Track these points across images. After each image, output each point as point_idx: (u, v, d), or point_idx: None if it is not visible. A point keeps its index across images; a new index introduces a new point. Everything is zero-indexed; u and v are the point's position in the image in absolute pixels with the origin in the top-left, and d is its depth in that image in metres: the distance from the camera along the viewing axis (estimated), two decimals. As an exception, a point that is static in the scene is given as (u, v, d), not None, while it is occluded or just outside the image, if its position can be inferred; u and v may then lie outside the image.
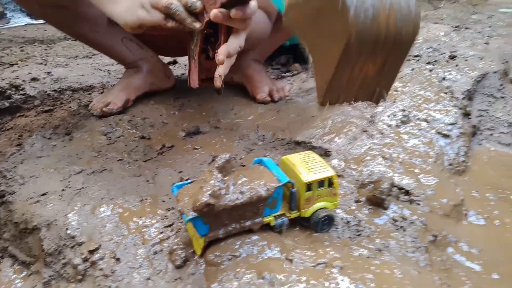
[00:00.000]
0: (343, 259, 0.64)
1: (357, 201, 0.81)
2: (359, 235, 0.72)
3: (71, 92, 1.47)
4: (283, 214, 0.69)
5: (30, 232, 0.76)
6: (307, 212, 0.69)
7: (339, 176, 0.89)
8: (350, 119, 1.12)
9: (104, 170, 0.91)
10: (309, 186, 0.67)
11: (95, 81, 1.58)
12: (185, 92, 1.41)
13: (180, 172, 0.90)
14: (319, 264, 0.62)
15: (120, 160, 0.96)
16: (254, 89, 1.35)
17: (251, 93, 1.36)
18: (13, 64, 1.85)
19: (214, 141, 1.06)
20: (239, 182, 0.64)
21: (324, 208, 0.70)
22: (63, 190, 0.83)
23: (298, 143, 1.03)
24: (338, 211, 0.77)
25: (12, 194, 0.84)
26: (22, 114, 1.33)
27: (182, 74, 1.72)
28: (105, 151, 1.00)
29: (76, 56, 1.95)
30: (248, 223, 0.65)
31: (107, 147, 1.02)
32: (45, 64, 1.80)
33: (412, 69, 1.48)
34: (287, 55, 1.77)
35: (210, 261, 0.62)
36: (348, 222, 0.75)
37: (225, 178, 0.63)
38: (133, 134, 1.09)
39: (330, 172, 0.68)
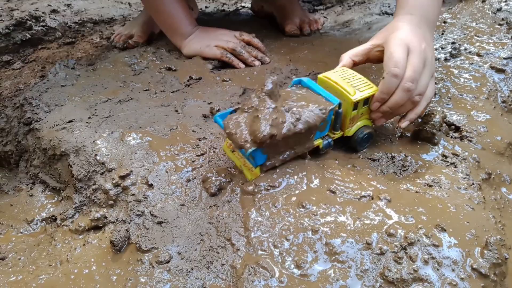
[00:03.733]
0: (390, 192, 0.59)
1: (400, 136, 0.75)
2: (405, 170, 0.67)
3: (92, 24, 1.41)
4: (327, 135, 0.65)
5: (59, 158, 0.73)
6: (350, 131, 0.66)
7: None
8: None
9: (131, 99, 0.86)
10: (356, 105, 0.63)
11: (116, 13, 1.50)
12: (210, 25, 1.32)
13: (209, 103, 0.85)
14: (364, 196, 0.58)
15: (146, 90, 0.91)
16: (283, 20, 1.25)
17: (280, 25, 1.26)
18: (31, -2, 1.78)
19: (243, 74, 0.99)
20: (293, 108, 0.58)
21: (365, 125, 0.67)
22: (89, 118, 0.79)
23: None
24: (381, 146, 0.71)
25: (39, 121, 0.81)
26: (44, 46, 1.28)
27: (206, 7, 1.61)
28: (130, 82, 0.95)
29: (96, -10, 1.86)
30: (301, 148, 0.61)
31: (132, 78, 0.97)
32: (64, -3, 1.72)
33: (461, 0, 1.33)
34: (319, -12, 1.63)
35: (247, 190, 0.58)
36: (392, 157, 0.69)
37: (277, 104, 0.58)
38: (159, 65, 1.03)
39: (374, 88, 0.64)
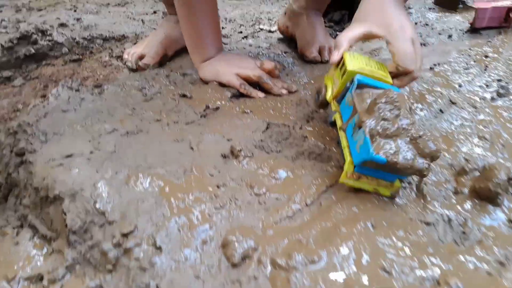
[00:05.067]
0: (457, 273, 0.47)
1: (456, 192, 0.63)
2: (466, 239, 0.55)
3: (102, 41, 1.32)
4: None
5: (52, 201, 0.62)
6: None
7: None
8: (433, 87, 0.92)
9: (140, 131, 0.76)
10: None
11: (128, 30, 1.41)
12: (226, 47, 1.23)
13: (229, 139, 0.74)
14: (427, 279, 0.46)
15: (158, 120, 0.80)
16: (303, 44, 1.15)
17: (299, 49, 1.17)
18: (41, 10, 1.70)
19: (266, 105, 0.89)
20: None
21: None
22: (91, 152, 0.68)
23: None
24: (435, 203, 0.60)
25: (33, 153, 0.71)
26: (48, 62, 1.19)
27: (223, 28, 1.52)
28: (140, 109, 0.85)
29: (108, 4, 1.78)
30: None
31: (143, 104, 0.87)
32: (75, 10, 1.64)
33: (500, 33, 1.24)
34: (341, 11, 1.54)
35: (280, 264, 0.47)
36: (449, 220, 0.57)
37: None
38: (172, 91, 0.93)
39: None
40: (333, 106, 0.71)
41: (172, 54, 1.13)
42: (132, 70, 1.06)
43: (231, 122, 0.81)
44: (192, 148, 0.71)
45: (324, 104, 0.76)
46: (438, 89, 0.91)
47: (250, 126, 0.79)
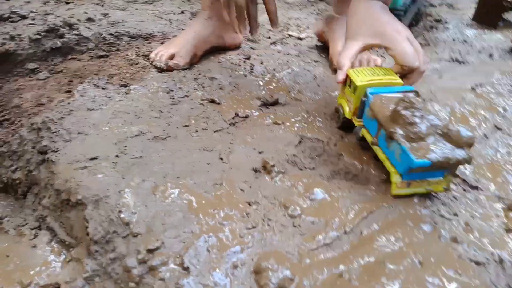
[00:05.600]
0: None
1: (508, 230, 0.58)
2: (522, 284, 0.50)
3: (129, 38, 1.29)
4: None
5: (73, 206, 0.59)
6: None
7: (473, 187, 0.66)
8: (476, 109, 0.87)
9: (168, 136, 0.72)
10: None
11: (156, 29, 1.38)
12: (254, 52, 1.19)
13: (260, 152, 0.70)
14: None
15: (186, 126, 0.77)
16: (334, 52, 1.11)
17: (330, 57, 1.13)
18: (69, 2, 1.70)
19: (298, 117, 0.85)
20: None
21: None
22: (117, 156, 0.65)
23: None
24: (484, 241, 0.55)
25: (56, 152, 0.68)
26: (74, 56, 1.17)
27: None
28: (168, 112, 0.81)
29: (136, 1, 1.77)
30: None
31: (170, 107, 0.84)
32: (102, 5, 1.63)
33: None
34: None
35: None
36: (501, 260, 0.52)
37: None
38: (200, 96, 0.90)
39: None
40: (356, 122, 0.72)
41: (201, 54, 1.10)
42: (160, 70, 1.03)
43: (262, 133, 0.77)
44: (221, 159, 0.67)
45: (345, 125, 0.77)
46: (482, 112, 0.86)
47: (282, 139, 0.75)
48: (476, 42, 1.22)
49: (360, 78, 0.69)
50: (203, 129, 0.76)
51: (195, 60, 1.08)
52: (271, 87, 0.98)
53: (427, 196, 0.60)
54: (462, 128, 0.56)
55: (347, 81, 0.73)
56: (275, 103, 0.92)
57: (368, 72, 0.71)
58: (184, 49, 1.05)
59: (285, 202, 0.58)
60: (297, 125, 0.81)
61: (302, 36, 1.51)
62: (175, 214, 0.54)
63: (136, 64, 1.11)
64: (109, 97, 0.85)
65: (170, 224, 0.52)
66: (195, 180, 0.61)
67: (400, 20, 1.41)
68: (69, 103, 0.82)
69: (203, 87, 0.95)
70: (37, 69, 1.10)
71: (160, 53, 1.06)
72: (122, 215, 0.53)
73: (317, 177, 0.64)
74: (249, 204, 0.57)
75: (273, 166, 0.63)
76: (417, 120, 0.57)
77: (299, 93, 0.96)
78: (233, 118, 0.82)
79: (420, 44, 1.34)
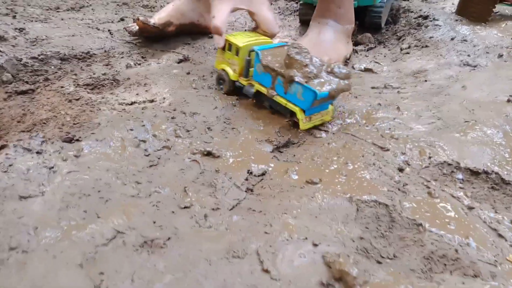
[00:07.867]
0: None
1: None
2: None
3: (60, 61, 0.96)
4: None
5: None
6: None
7: None
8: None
9: (166, 238, 0.45)
10: None
11: (94, 45, 1.06)
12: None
13: (316, 245, 0.46)
14: None
15: (185, 208, 0.50)
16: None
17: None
18: (-36, 14, 1.27)
19: (332, 164, 0.62)
20: None
21: None
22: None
23: (475, 173, 0.61)
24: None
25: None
26: (-19, 95, 0.82)
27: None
28: (148, 183, 0.54)
29: (58, 8, 1.39)
30: None
31: (150, 173, 0.56)
32: (14, 17, 1.24)
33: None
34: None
35: None
36: None
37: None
38: (186, 146, 0.63)
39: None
40: (243, 81, 0.78)
41: (177, 25, 1.07)
42: (133, 33, 1.04)
43: (300, 205, 0.53)
44: (266, 271, 0.42)
45: (232, 89, 0.80)
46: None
47: (332, 210, 0.52)
48: (477, 41, 1.09)
49: (240, 40, 0.77)
50: (213, 209, 0.51)
51: (169, 28, 1.05)
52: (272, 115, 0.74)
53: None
54: (336, 66, 0.70)
55: (226, 46, 0.79)
56: (288, 143, 0.68)
57: (242, 35, 0.80)
58: (158, 14, 1.05)
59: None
60: (336, 182, 0.58)
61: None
62: None
63: (77, 99, 0.80)
64: (51, 168, 0.55)
65: None
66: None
67: (379, 18, 1.26)
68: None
69: (187, 130, 0.68)
70: None
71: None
72: None
73: (411, 276, 0.43)
74: None
75: (355, 278, 0.40)
76: (308, 61, 0.68)
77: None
78: (246, 180, 0.57)
79: (416, 46, 1.21)
